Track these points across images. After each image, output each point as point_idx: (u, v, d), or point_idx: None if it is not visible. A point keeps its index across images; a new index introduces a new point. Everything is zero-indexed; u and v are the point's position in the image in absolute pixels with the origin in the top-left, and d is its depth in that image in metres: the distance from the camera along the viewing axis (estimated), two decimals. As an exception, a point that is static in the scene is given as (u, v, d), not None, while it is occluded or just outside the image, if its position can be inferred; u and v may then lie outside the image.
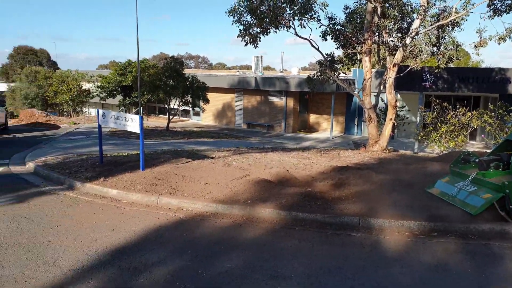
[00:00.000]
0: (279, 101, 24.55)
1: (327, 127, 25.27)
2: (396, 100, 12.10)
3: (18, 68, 47.83)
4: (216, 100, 26.37)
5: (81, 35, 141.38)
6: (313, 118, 26.05)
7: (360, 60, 14.23)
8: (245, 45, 11.21)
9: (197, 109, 25.08)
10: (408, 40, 11.13)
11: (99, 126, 9.30)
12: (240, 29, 11.19)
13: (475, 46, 11.55)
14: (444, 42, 12.42)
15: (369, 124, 12.21)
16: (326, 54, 13.59)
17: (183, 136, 19.08)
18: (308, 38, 12.23)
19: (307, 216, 5.68)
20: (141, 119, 8.00)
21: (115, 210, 6.25)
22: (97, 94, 26.99)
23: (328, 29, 13.37)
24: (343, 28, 13.52)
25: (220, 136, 21.33)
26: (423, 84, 17.65)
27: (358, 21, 13.52)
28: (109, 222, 5.65)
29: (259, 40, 11.23)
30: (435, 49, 12.69)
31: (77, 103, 26.66)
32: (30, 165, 9.80)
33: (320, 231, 5.29)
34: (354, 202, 6.10)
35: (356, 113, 23.55)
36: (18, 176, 8.88)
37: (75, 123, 22.51)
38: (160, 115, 31.30)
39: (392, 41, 12.84)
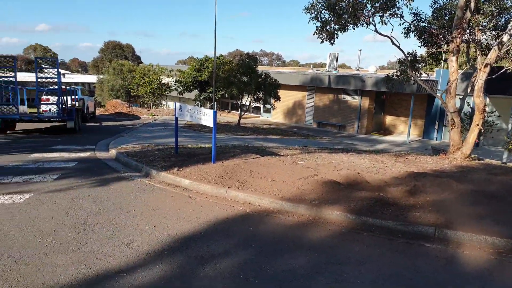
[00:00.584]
0: (353, 100, 23.85)
1: (404, 130, 24.05)
2: (485, 105, 11.09)
3: (107, 61, 52.13)
4: (287, 98, 26.35)
5: (164, 32, 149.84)
6: (389, 119, 24.92)
7: (446, 60, 13.25)
8: (321, 42, 11.02)
9: (267, 106, 25.33)
10: (505, 38, 10.13)
11: (176, 119, 9.75)
12: (316, 26, 11.02)
13: None
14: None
15: (451, 129, 11.35)
16: (408, 53, 12.87)
17: (253, 132, 19.34)
18: (389, 36, 11.68)
19: (378, 222, 5.44)
20: (215, 113, 8.23)
21: (186, 199, 6.51)
22: (175, 88, 28.40)
23: (411, 26, 12.65)
24: (429, 25, 12.70)
25: (289, 134, 21.28)
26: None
27: (447, 18, 12.59)
28: (180, 211, 5.90)
29: (336, 37, 10.95)
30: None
31: (157, 95, 28.35)
32: (112, 152, 10.59)
33: (390, 239, 5.03)
34: (430, 211, 5.71)
35: (437, 116, 22.07)
36: (102, 161, 9.62)
37: (154, 115, 23.91)
38: (232, 111, 32.09)
39: (486, 39, 11.79)
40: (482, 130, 11.88)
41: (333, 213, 5.72)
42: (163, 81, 28.83)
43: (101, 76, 36.44)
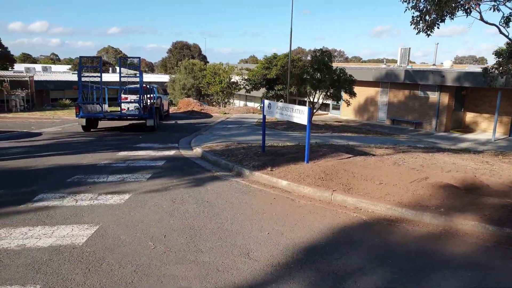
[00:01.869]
0: (431, 96, 22.23)
1: (486, 128, 22.01)
2: None
3: (174, 61, 53.78)
4: (358, 94, 25.05)
5: (226, 31, 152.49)
6: (469, 116, 22.94)
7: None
8: (417, 33, 10.08)
9: (335, 103, 24.41)
10: None
11: (264, 117, 9.39)
12: (413, 16, 10.09)
13: None
14: None
15: None
16: (508, 43, 11.50)
17: (326, 130, 18.61)
18: (497, 24, 10.43)
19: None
20: (310, 111, 7.73)
21: (289, 203, 6.07)
22: (243, 87, 28.35)
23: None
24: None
25: (363, 131, 20.27)
26: None
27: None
28: (288, 216, 5.47)
29: (437, 27, 9.95)
30: None
31: (226, 94, 28.52)
32: (197, 150, 10.49)
33: (551, 258, 4.21)
34: None
35: (529, 113, 19.92)
36: (190, 160, 9.51)
37: (225, 113, 24.00)
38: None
39: None
40: None
41: (467, 223, 4.97)
42: (232, 80, 28.93)
43: (173, 76, 37.43)
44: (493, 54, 12.00)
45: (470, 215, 5.13)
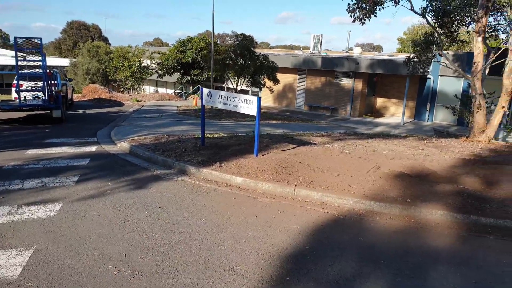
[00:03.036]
0: (346, 83, 23.28)
1: (395, 112, 23.85)
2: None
3: (71, 43, 48.68)
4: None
5: (127, 11, 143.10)
6: (380, 102, 24.63)
7: (461, 41, 12.81)
8: (352, 21, 10.18)
9: (255, 89, 24.32)
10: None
11: (203, 106, 8.68)
12: (348, 4, 10.14)
13: None
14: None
15: (477, 111, 10.94)
16: (425, 34, 12.31)
17: (250, 117, 18.38)
18: (426, 16, 11.00)
19: (492, 221, 4.78)
20: (259, 101, 7.26)
21: (253, 202, 5.59)
22: (156, 71, 26.69)
23: (429, 5, 12.03)
24: (444, 4, 12.11)
25: (285, 118, 20.48)
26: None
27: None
28: (258, 217, 4.99)
29: (375, 16, 10.11)
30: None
31: (136, 79, 26.49)
32: (123, 145, 9.39)
33: (522, 243, 4.39)
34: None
35: (428, 98, 21.92)
36: (118, 157, 8.43)
37: (138, 100, 22.32)
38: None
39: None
40: (507, 113, 11.58)
41: (436, 213, 5.01)
42: (143, 64, 26.97)
43: (74, 59, 33.62)
44: (411, 43, 12.72)
45: (435, 205, 5.19)
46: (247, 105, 7.51)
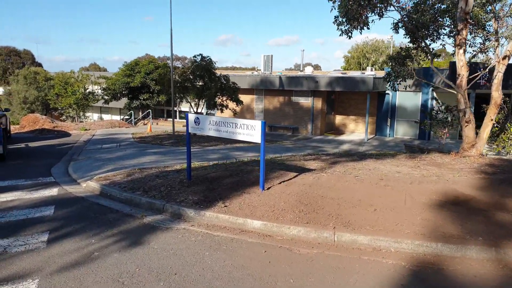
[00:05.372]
0: (305, 102, 22.90)
1: (354, 129, 23.86)
2: (502, 99, 10.63)
3: (0, 70, 44.18)
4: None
5: (58, 36, 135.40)
6: (339, 119, 24.54)
7: (435, 55, 12.73)
8: (340, 35, 9.60)
9: (212, 112, 23.19)
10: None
11: (188, 134, 7.42)
12: (335, 17, 9.48)
13: None
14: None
15: (467, 125, 10.70)
16: (400, 48, 12.07)
17: (217, 142, 17.13)
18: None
19: None
20: (264, 125, 6.20)
21: (289, 255, 4.45)
22: (102, 97, 24.59)
23: (401, 21, 11.82)
24: (414, 20, 11.97)
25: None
26: (478, 81, 16.36)
27: (432, 11, 11.95)
28: (312, 279, 3.85)
29: (367, 27, 9.54)
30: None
31: (81, 107, 24.03)
32: (90, 185, 7.80)
33: None
34: None
35: (388, 113, 22.19)
36: (89, 200, 6.88)
37: (86, 129, 20.13)
38: (168, 119, 28.99)
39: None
40: (496, 126, 11.52)
41: (519, 253, 4.21)
42: (88, 90, 24.65)
43: (8, 87, 29.97)
44: (386, 58, 12.42)
45: None
46: (248, 131, 6.42)
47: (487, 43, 11.91)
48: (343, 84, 20.98)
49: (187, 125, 7.32)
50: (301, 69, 29.14)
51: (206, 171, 8.31)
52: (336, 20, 9.67)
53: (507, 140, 13.68)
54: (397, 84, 12.36)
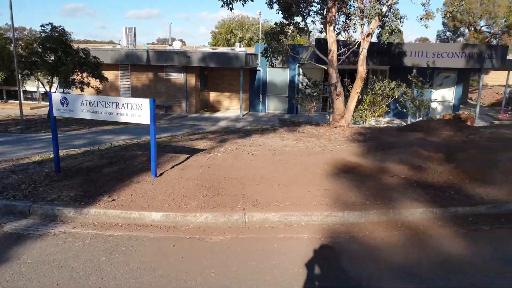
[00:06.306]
0: (177, 78, 21.90)
1: (229, 106, 23.92)
2: (366, 73, 11.60)
3: None
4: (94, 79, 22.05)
5: None
6: (213, 96, 24.21)
7: (307, 32, 13.19)
8: (221, 6, 9.01)
9: (68, 91, 20.52)
10: (384, 9, 10.71)
11: (53, 119, 6.13)
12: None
13: (421, 19, 11.75)
14: (388, 14, 12.30)
15: (337, 98, 11.47)
16: (275, 23, 12.23)
17: (79, 126, 15.17)
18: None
19: (468, 210, 4.58)
20: (153, 103, 5.43)
21: (201, 246, 3.95)
22: None
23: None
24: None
25: (118, 122, 17.86)
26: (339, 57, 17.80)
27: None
28: (235, 270, 3.45)
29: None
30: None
31: None
32: None
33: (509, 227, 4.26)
34: (483, 185, 5.23)
35: (260, 89, 22.74)
36: None
37: None
38: (9, 100, 24.51)
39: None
40: (360, 97, 12.55)
41: (415, 212, 4.51)
42: None
43: None
44: (263, 34, 12.45)
45: (406, 203, 4.71)
46: (134, 111, 5.57)
47: (348, 21, 12.87)
48: (216, 60, 20.62)
49: (50, 107, 6.02)
50: (169, 44, 27.78)
51: (77, 160, 7.09)
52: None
53: (363, 110, 15.31)
54: (275, 60, 12.54)
